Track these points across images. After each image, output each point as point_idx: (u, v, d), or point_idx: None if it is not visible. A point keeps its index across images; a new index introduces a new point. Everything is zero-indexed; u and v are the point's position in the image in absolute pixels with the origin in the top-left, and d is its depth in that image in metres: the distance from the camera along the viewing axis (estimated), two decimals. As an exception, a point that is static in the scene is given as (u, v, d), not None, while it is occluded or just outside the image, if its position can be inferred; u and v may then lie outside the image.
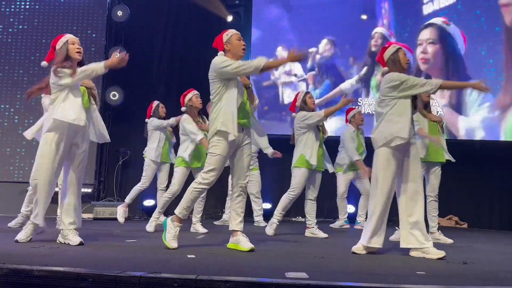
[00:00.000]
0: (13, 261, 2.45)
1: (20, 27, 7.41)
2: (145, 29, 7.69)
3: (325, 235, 4.55)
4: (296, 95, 4.87)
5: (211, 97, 3.44)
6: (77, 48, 3.51)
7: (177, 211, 3.35)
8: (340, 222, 5.95)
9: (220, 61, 3.34)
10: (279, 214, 4.63)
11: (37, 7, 7.46)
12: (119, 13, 7.40)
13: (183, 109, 4.80)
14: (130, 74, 7.47)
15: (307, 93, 4.82)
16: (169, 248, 3.24)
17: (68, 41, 3.51)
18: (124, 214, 5.80)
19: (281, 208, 4.64)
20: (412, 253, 3.28)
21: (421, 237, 3.23)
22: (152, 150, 5.77)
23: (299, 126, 4.63)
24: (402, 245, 3.30)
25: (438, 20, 7.29)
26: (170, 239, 3.28)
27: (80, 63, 3.54)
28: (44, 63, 3.58)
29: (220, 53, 3.48)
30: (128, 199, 5.80)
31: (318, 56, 7.47)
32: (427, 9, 7.36)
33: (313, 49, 7.43)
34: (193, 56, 7.54)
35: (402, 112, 3.27)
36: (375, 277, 2.43)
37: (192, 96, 4.78)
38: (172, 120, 5.53)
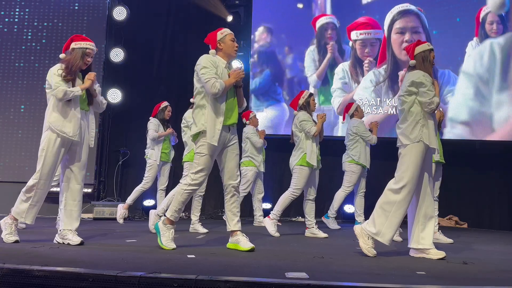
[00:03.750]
0: (13, 261, 2.45)
1: (20, 27, 7.41)
2: (145, 29, 7.69)
3: (325, 235, 4.55)
4: (300, 93, 4.89)
5: (194, 92, 3.45)
6: (88, 60, 3.54)
7: (168, 213, 3.34)
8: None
9: (199, 69, 3.39)
10: (278, 213, 4.63)
11: (36, 6, 7.45)
12: (119, 13, 7.40)
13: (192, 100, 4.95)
14: (130, 74, 7.49)
15: (311, 94, 4.84)
16: (167, 249, 3.23)
17: (87, 50, 3.53)
18: (123, 215, 5.81)
19: (281, 207, 4.64)
20: (412, 253, 3.28)
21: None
22: (152, 151, 5.78)
23: (298, 125, 4.66)
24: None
25: (412, 7, 7.29)
26: (167, 241, 3.28)
27: (87, 70, 3.55)
28: (62, 55, 3.54)
29: (212, 51, 3.49)
30: (129, 199, 5.81)
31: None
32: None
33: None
34: (193, 56, 7.44)
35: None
36: (375, 277, 2.43)
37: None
38: (160, 135, 5.69)
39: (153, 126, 5.73)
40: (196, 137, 3.36)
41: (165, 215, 3.39)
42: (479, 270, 2.80)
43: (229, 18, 7.66)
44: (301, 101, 4.79)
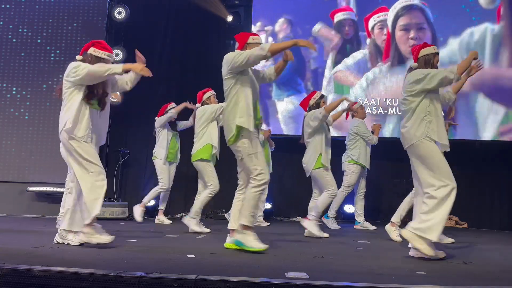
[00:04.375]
0: (13, 261, 2.45)
1: (20, 27, 7.41)
2: (145, 29, 7.69)
3: (326, 235, 4.56)
4: (312, 94, 4.87)
5: (224, 94, 3.41)
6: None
7: (243, 221, 3.24)
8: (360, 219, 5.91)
9: (233, 55, 3.33)
10: (318, 215, 4.63)
11: (37, 7, 7.46)
12: (119, 13, 7.41)
13: (198, 105, 5.00)
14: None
15: (322, 96, 4.83)
16: (263, 251, 3.15)
17: (104, 60, 3.47)
18: (141, 214, 5.84)
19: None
20: (412, 253, 3.28)
21: None
22: (161, 150, 5.79)
23: (310, 125, 4.64)
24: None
25: (416, 2, 7.28)
26: (256, 243, 3.19)
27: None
28: (79, 57, 3.48)
29: (238, 51, 3.42)
30: (146, 199, 5.85)
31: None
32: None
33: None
34: (193, 56, 7.55)
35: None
36: (375, 277, 2.43)
37: (210, 95, 4.97)
38: (173, 112, 5.65)
39: (161, 118, 5.75)
40: (234, 139, 3.30)
41: (241, 224, 3.26)
42: (479, 270, 2.80)
43: (229, 18, 7.66)
44: (311, 102, 4.77)
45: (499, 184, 7.11)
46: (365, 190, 5.84)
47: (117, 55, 7.37)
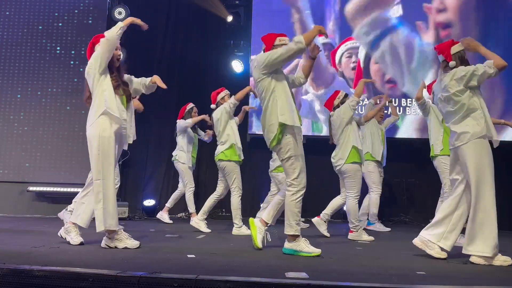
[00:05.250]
0: (13, 261, 2.45)
1: (20, 26, 7.41)
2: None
3: (327, 235, 4.57)
4: (335, 94, 4.78)
5: (261, 97, 3.33)
6: (117, 54, 3.53)
7: (290, 231, 3.17)
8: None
9: (265, 54, 3.27)
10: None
11: (36, 7, 7.46)
12: (119, 13, 7.40)
13: (213, 106, 4.99)
14: (130, 74, 7.48)
15: (346, 95, 4.75)
16: (319, 255, 3.13)
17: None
18: (167, 217, 5.95)
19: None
20: (416, 242, 3.26)
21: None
22: (183, 154, 5.79)
23: (343, 121, 4.54)
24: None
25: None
26: (311, 248, 3.16)
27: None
28: None
29: (269, 52, 3.36)
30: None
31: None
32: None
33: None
34: (193, 56, 7.54)
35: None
36: (375, 277, 2.43)
37: (224, 95, 4.94)
38: (189, 122, 5.71)
39: (182, 122, 5.77)
40: (276, 141, 3.22)
41: (289, 235, 3.19)
42: (479, 270, 2.80)
43: (229, 18, 7.65)
44: (336, 102, 4.70)
45: (499, 184, 7.08)
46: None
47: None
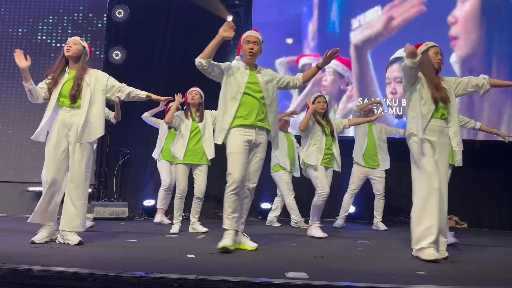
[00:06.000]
0: (13, 261, 2.45)
1: (20, 26, 7.41)
2: (145, 29, 7.69)
3: (325, 234, 4.57)
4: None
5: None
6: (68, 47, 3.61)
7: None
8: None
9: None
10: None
11: (36, 6, 7.46)
12: (119, 13, 7.40)
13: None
14: (130, 74, 7.48)
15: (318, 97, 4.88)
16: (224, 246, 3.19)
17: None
18: (163, 217, 5.98)
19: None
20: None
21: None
22: (157, 149, 5.97)
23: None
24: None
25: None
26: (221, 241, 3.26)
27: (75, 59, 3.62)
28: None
29: (237, 57, 3.52)
30: (158, 204, 5.98)
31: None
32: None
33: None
34: (193, 56, 7.46)
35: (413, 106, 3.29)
36: (375, 277, 2.43)
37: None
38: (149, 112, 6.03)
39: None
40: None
41: None
42: (479, 270, 2.80)
43: (229, 18, 7.65)
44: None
45: (499, 184, 7.10)
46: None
47: (117, 55, 7.37)
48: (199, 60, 3.36)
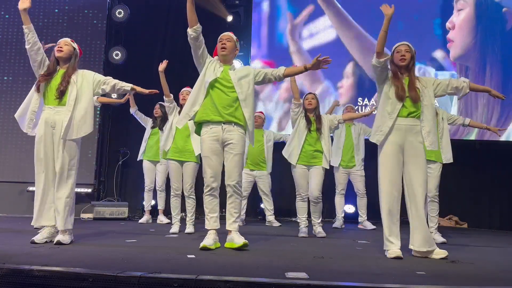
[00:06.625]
0: (13, 261, 2.45)
1: (20, 25, 7.40)
2: (145, 29, 7.68)
3: (323, 234, 4.58)
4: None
5: None
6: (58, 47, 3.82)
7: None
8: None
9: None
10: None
11: (36, 6, 7.45)
12: (119, 13, 7.40)
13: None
14: (130, 74, 7.48)
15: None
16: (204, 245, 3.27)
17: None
18: (149, 218, 6.13)
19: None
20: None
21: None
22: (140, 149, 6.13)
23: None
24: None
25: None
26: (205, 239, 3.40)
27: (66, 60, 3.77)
28: None
29: (215, 57, 3.70)
30: (145, 205, 6.20)
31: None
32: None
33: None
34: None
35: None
36: (375, 277, 2.43)
37: None
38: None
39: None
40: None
41: None
42: (479, 270, 2.80)
43: (229, 18, 7.65)
44: None
45: (499, 184, 7.10)
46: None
47: (117, 55, 7.36)
48: (188, 30, 3.55)
